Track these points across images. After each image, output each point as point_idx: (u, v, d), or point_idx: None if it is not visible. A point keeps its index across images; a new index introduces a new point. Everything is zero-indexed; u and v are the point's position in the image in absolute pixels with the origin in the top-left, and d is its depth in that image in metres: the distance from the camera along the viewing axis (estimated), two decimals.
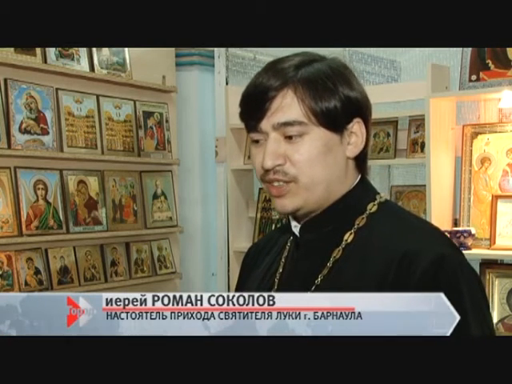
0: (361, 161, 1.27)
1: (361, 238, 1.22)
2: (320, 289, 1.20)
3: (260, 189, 3.69)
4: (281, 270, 1.30)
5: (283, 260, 1.31)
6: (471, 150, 2.96)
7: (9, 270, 2.94)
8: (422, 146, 3.02)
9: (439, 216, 2.81)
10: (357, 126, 1.23)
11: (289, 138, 1.19)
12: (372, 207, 1.25)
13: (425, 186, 2.92)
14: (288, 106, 1.18)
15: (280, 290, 1.27)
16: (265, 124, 1.19)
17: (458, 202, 2.98)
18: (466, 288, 1.13)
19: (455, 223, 2.98)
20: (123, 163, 3.49)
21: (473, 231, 2.81)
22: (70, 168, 3.23)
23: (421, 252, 1.14)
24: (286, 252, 1.32)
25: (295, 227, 1.28)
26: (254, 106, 1.20)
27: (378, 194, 1.28)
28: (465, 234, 2.76)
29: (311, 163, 1.19)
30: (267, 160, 1.19)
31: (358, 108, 1.23)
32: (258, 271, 1.37)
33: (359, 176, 1.28)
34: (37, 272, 3.05)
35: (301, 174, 1.19)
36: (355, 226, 1.23)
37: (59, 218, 3.14)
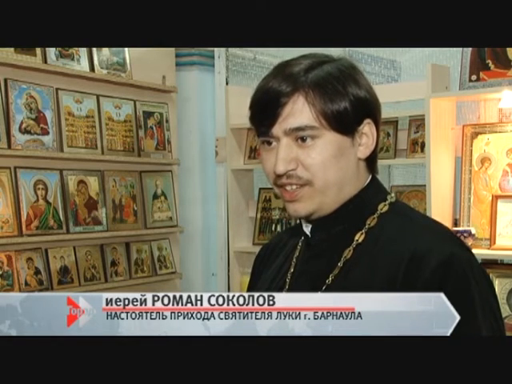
0: (371, 161, 1.27)
1: (371, 238, 1.22)
2: (331, 289, 1.20)
3: (260, 189, 3.69)
4: (292, 270, 1.30)
5: (294, 260, 1.31)
6: (471, 150, 2.96)
7: (9, 269, 2.94)
8: (422, 146, 3.02)
9: (439, 216, 2.81)
10: (367, 127, 1.23)
11: (301, 140, 1.19)
12: (383, 207, 1.25)
13: (425, 186, 2.92)
14: (299, 112, 1.18)
15: (291, 289, 1.27)
16: (276, 129, 1.19)
17: (458, 202, 2.98)
18: (476, 287, 1.13)
19: (455, 223, 2.98)
20: (123, 163, 3.49)
21: (473, 231, 2.81)
22: (70, 168, 3.23)
23: (430, 252, 1.14)
24: (298, 252, 1.32)
25: (306, 227, 1.28)
26: (264, 111, 1.20)
27: (389, 193, 1.28)
28: (465, 234, 2.76)
29: (324, 166, 1.19)
30: (279, 165, 1.19)
31: (368, 109, 1.23)
32: (270, 271, 1.37)
33: (370, 176, 1.28)
34: (37, 272, 3.05)
35: (315, 178, 1.19)
36: (366, 226, 1.23)
37: (59, 217, 3.14)
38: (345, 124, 1.20)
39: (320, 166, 1.19)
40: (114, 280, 3.39)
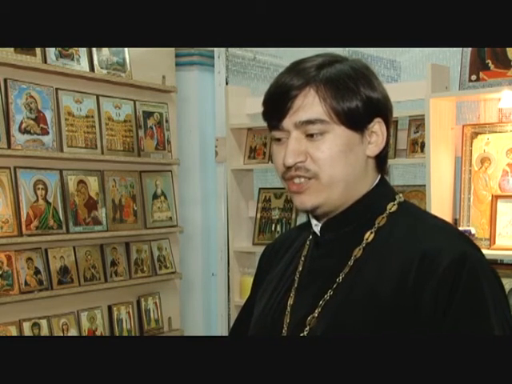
0: (381, 160, 1.29)
1: (381, 237, 1.23)
2: (342, 287, 1.21)
3: (260, 189, 3.69)
4: (300, 269, 1.31)
5: (303, 258, 1.33)
6: (471, 150, 2.96)
7: (9, 269, 2.93)
8: (422, 146, 3.02)
9: (439, 216, 2.81)
10: (377, 126, 1.25)
11: (310, 136, 1.21)
12: (392, 207, 1.27)
13: (425, 185, 2.92)
14: (310, 105, 1.20)
15: (300, 287, 1.29)
16: (287, 122, 1.22)
17: (457, 202, 2.98)
18: (488, 286, 1.15)
19: (455, 223, 2.98)
20: (123, 163, 3.49)
21: (473, 231, 2.81)
22: (70, 168, 3.23)
23: (442, 250, 1.16)
24: (306, 251, 1.34)
25: (316, 226, 1.30)
26: (276, 105, 1.23)
27: (398, 194, 1.30)
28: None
29: (332, 161, 1.21)
30: (288, 157, 1.21)
31: (379, 108, 1.25)
32: (276, 270, 1.38)
33: (379, 176, 1.29)
34: (37, 272, 3.04)
35: (322, 171, 1.21)
36: (375, 226, 1.25)
37: (59, 218, 3.14)
38: (355, 120, 1.22)
39: (328, 159, 1.20)
40: (113, 280, 3.39)
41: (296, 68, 1.23)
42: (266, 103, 1.26)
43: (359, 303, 1.17)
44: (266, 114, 1.27)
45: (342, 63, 1.24)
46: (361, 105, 1.21)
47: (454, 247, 1.16)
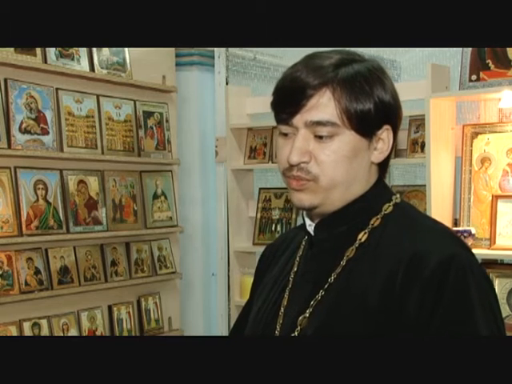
0: (383, 166, 1.28)
1: (374, 238, 1.22)
2: (333, 287, 1.21)
3: (260, 189, 3.69)
4: (295, 269, 1.31)
5: (298, 259, 1.32)
6: (471, 150, 2.96)
7: (9, 269, 2.93)
8: (422, 145, 3.02)
9: (439, 216, 2.81)
10: (385, 133, 1.24)
11: (319, 138, 1.19)
12: (387, 208, 1.26)
13: (425, 185, 2.92)
14: (324, 106, 1.18)
15: (294, 288, 1.28)
16: (297, 119, 1.20)
17: (457, 202, 2.98)
18: (476, 288, 1.14)
19: (455, 223, 2.98)
20: (123, 163, 3.49)
21: (473, 231, 2.81)
22: (70, 168, 3.23)
23: (431, 252, 1.15)
24: (301, 251, 1.33)
25: (309, 226, 1.29)
26: (289, 100, 1.20)
27: (394, 194, 1.29)
28: (465, 234, 2.76)
29: (336, 165, 1.20)
30: (293, 155, 1.19)
31: (390, 114, 1.24)
32: (274, 271, 1.38)
33: (376, 177, 1.28)
34: (37, 272, 3.05)
35: (323, 175, 1.20)
36: (369, 226, 1.24)
37: (59, 217, 3.14)
38: (365, 125, 1.20)
39: (331, 163, 1.19)
40: (113, 280, 3.39)
41: (312, 64, 1.21)
42: (277, 95, 1.23)
43: (349, 304, 1.17)
44: (277, 107, 1.24)
45: (359, 63, 1.22)
46: (373, 108, 1.20)
47: (443, 249, 1.16)
